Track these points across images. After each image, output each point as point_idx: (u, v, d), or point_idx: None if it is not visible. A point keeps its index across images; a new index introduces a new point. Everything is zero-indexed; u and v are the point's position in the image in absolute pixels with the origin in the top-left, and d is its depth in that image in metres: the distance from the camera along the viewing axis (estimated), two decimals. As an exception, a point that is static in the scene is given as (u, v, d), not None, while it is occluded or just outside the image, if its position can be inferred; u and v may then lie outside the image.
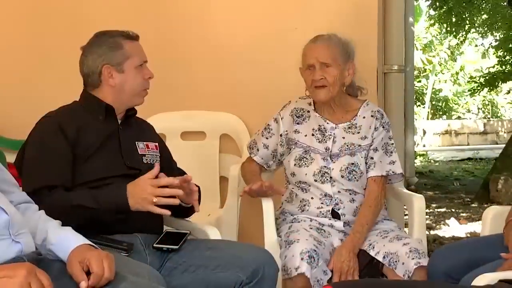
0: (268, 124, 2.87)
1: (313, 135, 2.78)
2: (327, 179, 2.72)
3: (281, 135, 2.83)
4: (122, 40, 2.40)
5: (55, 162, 2.24)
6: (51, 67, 3.60)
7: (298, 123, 2.82)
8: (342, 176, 2.71)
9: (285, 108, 2.87)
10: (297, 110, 2.84)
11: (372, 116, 2.80)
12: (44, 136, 2.30)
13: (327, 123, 2.79)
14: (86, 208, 2.16)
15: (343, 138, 2.77)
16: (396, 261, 2.51)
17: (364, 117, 2.80)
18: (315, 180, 2.72)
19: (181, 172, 2.62)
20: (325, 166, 2.73)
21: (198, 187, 2.42)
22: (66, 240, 1.83)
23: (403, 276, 2.47)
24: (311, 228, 2.66)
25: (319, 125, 2.79)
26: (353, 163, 2.73)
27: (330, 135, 2.77)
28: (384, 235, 2.66)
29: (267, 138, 2.86)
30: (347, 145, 2.76)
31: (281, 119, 2.84)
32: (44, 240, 1.84)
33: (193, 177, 2.66)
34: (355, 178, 2.72)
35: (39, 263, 1.73)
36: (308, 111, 2.83)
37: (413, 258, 2.46)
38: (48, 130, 2.31)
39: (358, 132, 2.78)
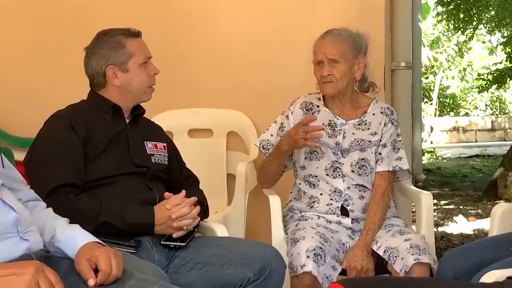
0: (281, 123, 2.85)
1: (323, 129, 2.78)
2: (339, 174, 2.72)
3: None
4: (124, 38, 2.39)
5: (71, 160, 2.25)
6: (58, 65, 3.61)
7: None
8: (353, 171, 2.72)
9: (295, 103, 2.86)
10: (307, 104, 2.84)
11: (381, 112, 2.80)
12: (57, 134, 2.30)
13: (337, 118, 2.79)
14: (112, 226, 2.19)
15: (353, 134, 2.77)
16: (395, 256, 2.50)
17: (373, 114, 2.80)
18: (327, 175, 2.72)
19: (189, 175, 2.63)
20: (336, 161, 2.73)
21: (200, 198, 2.44)
22: (73, 238, 1.83)
23: (400, 271, 2.46)
24: (318, 226, 2.65)
25: (329, 120, 2.79)
26: (363, 159, 2.73)
27: (340, 130, 2.77)
28: (389, 229, 2.66)
29: (280, 137, 2.84)
30: (357, 141, 2.76)
31: (291, 113, 2.83)
32: (52, 238, 1.85)
33: (200, 174, 2.68)
34: (365, 173, 2.73)
35: (47, 261, 1.74)
36: (318, 106, 2.83)
37: (413, 254, 2.46)
38: (60, 128, 2.31)
39: (368, 129, 2.78)
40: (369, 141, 2.76)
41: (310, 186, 2.76)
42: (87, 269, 1.73)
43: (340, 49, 2.70)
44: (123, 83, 2.39)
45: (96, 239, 1.86)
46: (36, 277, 1.53)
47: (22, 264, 1.58)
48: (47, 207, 1.98)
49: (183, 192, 2.32)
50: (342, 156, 2.74)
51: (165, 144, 2.55)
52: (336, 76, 2.69)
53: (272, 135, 2.88)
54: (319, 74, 2.72)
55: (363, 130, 2.78)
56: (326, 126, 2.78)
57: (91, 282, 1.70)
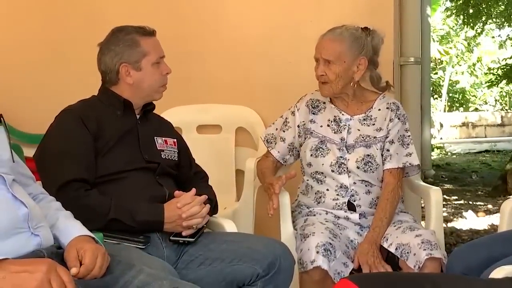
0: (286, 118, 2.87)
1: (328, 125, 2.78)
2: (344, 170, 2.72)
3: (298, 126, 2.83)
4: (139, 37, 2.39)
5: (82, 155, 2.25)
6: (68, 61, 3.62)
7: (314, 113, 2.82)
8: (358, 167, 2.71)
9: (302, 100, 2.87)
10: (313, 101, 2.85)
11: (387, 108, 2.79)
12: (67, 128, 2.31)
13: (342, 114, 2.80)
14: (121, 222, 2.20)
15: (358, 130, 2.77)
16: (408, 252, 2.50)
17: (379, 109, 2.79)
18: (332, 171, 2.72)
19: (198, 170, 2.63)
20: (341, 157, 2.73)
21: (210, 194, 2.44)
22: (72, 227, 1.85)
23: (414, 267, 2.46)
24: (327, 221, 2.66)
25: (334, 116, 2.80)
26: (369, 155, 2.73)
27: (345, 125, 2.77)
28: (398, 226, 2.66)
29: (284, 131, 2.85)
30: (363, 137, 2.75)
31: (297, 110, 2.84)
32: (52, 226, 1.85)
33: (209, 170, 2.68)
34: (371, 169, 2.72)
35: (58, 256, 1.75)
36: (324, 102, 2.84)
37: (425, 249, 2.46)
38: (70, 123, 2.32)
39: (373, 124, 2.77)
40: (374, 137, 2.75)
41: (318, 182, 2.76)
42: (74, 259, 1.73)
43: (336, 50, 2.67)
44: (135, 81, 2.40)
45: (92, 235, 1.86)
46: (48, 275, 1.53)
47: (35, 261, 1.59)
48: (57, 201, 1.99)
49: (194, 190, 2.32)
50: (347, 152, 2.74)
51: (175, 140, 2.55)
52: (329, 77, 2.68)
53: (276, 129, 2.90)
54: (315, 72, 2.72)
55: (368, 125, 2.77)
56: (331, 122, 2.78)
57: (74, 271, 1.69)
